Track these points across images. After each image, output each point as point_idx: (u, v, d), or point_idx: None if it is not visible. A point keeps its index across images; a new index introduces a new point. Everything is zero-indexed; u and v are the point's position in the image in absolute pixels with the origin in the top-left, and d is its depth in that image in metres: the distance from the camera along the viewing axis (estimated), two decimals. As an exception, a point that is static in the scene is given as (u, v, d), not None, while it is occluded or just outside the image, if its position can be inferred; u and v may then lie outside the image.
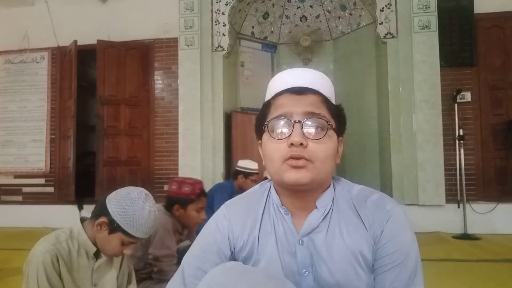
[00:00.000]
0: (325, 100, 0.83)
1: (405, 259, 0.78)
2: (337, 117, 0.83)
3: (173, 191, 1.98)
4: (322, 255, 0.80)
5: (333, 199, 0.85)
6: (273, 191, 0.89)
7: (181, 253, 2.10)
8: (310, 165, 0.77)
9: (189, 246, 2.29)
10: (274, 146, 0.80)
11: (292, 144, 0.76)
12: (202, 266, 0.84)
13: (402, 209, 0.84)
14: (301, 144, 0.76)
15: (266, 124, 0.82)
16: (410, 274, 0.78)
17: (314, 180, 0.78)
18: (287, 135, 0.78)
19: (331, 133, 0.80)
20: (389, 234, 0.79)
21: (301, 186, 0.79)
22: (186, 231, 2.11)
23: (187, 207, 1.97)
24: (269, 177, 1.04)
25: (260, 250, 0.84)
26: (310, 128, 0.78)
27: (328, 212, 0.83)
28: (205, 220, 0.97)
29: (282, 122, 0.80)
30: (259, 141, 0.87)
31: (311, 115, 0.79)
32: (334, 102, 0.86)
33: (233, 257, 0.87)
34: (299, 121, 0.78)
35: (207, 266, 0.83)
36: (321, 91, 0.83)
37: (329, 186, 0.86)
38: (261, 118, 0.86)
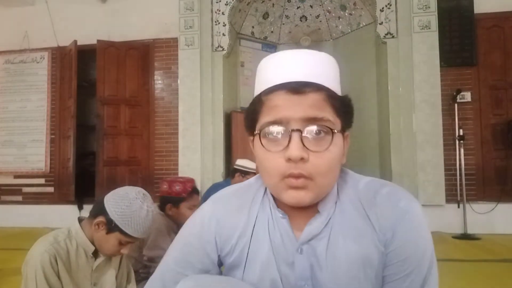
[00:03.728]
0: (329, 97, 0.68)
1: (418, 265, 0.68)
2: (343, 113, 0.70)
3: (165, 191, 1.98)
4: (324, 265, 0.70)
5: (337, 201, 0.73)
6: (268, 190, 0.77)
7: None
8: (311, 183, 0.66)
9: None
10: (269, 159, 0.67)
11: (290, 158, 0.64)
12: (183, 271, 0.75)
13: (417, 204, 0.71)
14: (302, 158, 0.64)
15: (258, 133, 0.69)
16: (423, 280, 0.68)
17: (316, 198, 0.69)
18: (283, 147, 0.65)
19: (337, 138, 0.67)
20: (401, 238, 0.68)
21: (302, 205, 0.69)
22: None
23: (179, 205, 1.97)
24: None
25: (251, 258, 0.74)
26: (311, 138, 0.65)
27: (331, 216, 0.72)
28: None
29: (277, 131, 0.66)
30: (251, 138, 0.75)
31: (312, 121, 0.65)
32: (339, 91, 0.72)
33: (219, 262, 0.78)
34: (298, 130, 0.65)
35: (188, 271, 0.75)
36: (326, 84, 0.68)
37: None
38: (251, 115, 0.72)
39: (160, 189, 2.02)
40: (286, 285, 0.71)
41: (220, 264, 0.79)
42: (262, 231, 0.75)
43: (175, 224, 2.03)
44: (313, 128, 0.66)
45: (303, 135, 0.65)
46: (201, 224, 0.79)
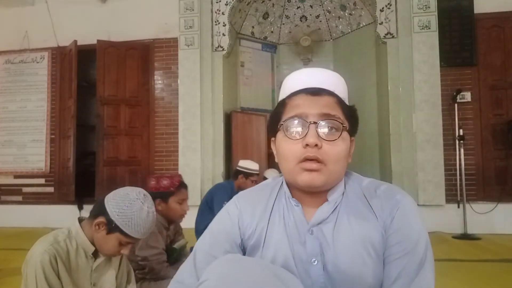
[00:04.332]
0: (340, 102, 0.84)
1: (415, 247, 0.78)
2: (350, 118, 0.85)
3: (153, 187, 1.97)
4: (331, 244, 0.81)
5: (343, 193, 0.87)
6: (285, 184, 0.91)
7: (178, 252, 2.10)
8: (323, 168, 0.79)
9: (184, 245, 2.28)
10: (289, 146, 0.82)
11: (307, 145, 0.79)
12: (212, 252, 0.87)
13: (410, 198, 0.85)
14: (316, 145, 0.78)
15: (282, 124, 0.84)
16: (420, 262, 0.77)
17: (326, 183, 0.81)
18: (302, 136, 0.81)
19: (345, 134, 0.83)
20: (398, 223, 0.80)
21: (314, 188, 0.82)
22: (173, 226, 2.11)
23: (168, 200, 1.97)
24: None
25: (268, 239, 0.86)
26: (324, 130, 0.80)
27: (338, 204, 0.85)
28: (212, 217, 0.98)
29: (297, 123, 0.82)
30: (273, 138, 0.90)
31: (326, 116, 0.81)
32: (347, 103, 0.88)
33: (242, 245, 0.90)
34: (315, 122, 0.80)
35: (217, 252, 0.86)
36: (336, 92, 0.85)
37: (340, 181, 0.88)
38: (275, 117, 0.88)
39: (148, 185, 2.01)
40: (298, 262, 0.82)
41: (243, 248, 0.90)
42: (278, 217, 0.88)
43: (166, 220, 2.03)
44: (327, 122, 0.81)
45: (318, 128, 0.80)
46: (227, 214, 0.93)
